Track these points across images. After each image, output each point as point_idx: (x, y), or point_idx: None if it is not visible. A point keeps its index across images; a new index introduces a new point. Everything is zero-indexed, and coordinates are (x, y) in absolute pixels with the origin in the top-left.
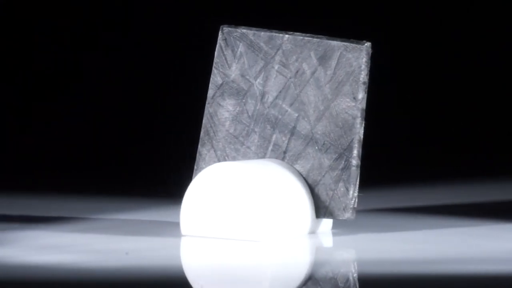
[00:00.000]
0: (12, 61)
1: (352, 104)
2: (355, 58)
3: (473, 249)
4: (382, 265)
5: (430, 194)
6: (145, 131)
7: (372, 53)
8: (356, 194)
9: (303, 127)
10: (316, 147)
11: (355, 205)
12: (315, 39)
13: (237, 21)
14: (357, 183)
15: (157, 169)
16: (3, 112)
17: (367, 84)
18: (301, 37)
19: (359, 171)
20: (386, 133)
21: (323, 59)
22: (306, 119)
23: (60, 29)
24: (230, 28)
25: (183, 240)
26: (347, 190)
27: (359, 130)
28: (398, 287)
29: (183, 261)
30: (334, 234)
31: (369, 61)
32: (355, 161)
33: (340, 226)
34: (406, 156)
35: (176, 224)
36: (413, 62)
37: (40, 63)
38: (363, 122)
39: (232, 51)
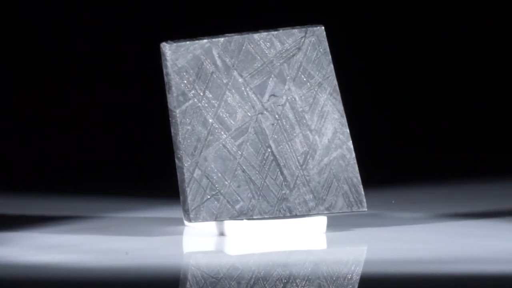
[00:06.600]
0: (11, 58)
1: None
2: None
3: (473, 249)
4: (381, 265)
5: (429, 194)
6: (145, 131)
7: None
8: (185, 199)
9: None
10: None
11: (189, 211)
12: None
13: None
14: (185, 187)
15: (157, 168)
16: (3, 112)
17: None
18: None
19: (182, 175)
20: (382, 132)
21: None
22: None
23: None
24: None
25: (184, 239)
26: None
27: (177, 127)
28: (398, 287)
29: (183, 260)
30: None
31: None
32: (177, 161)
33: (331, 226)
34: (401, 155)
35: (176, 223)
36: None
37: (41, 62)
38: (174, 123)
39: None
